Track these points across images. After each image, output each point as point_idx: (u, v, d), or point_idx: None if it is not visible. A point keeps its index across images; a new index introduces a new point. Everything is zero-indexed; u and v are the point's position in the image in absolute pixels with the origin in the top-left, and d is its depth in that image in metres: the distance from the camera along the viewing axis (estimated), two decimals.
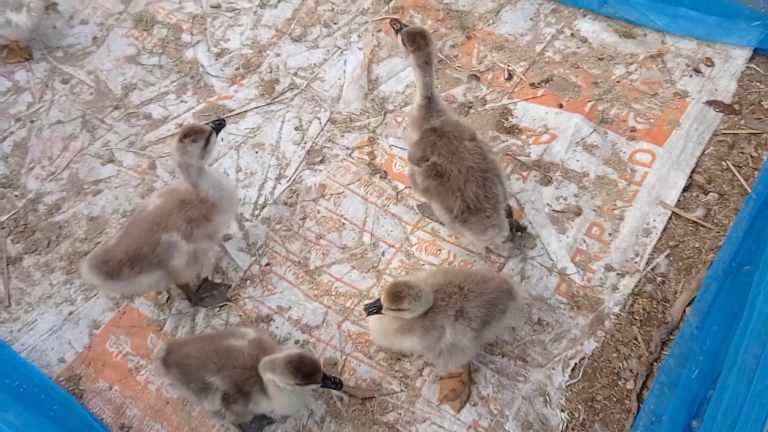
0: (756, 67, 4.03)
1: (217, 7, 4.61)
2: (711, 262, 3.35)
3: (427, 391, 3.13)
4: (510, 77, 4.11)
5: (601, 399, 3.08)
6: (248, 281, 3.49)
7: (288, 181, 3.82)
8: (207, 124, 2.97)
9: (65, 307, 3.48)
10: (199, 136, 2.88)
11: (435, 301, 2.71)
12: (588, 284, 3.36)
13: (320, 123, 4.01)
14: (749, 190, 3.55)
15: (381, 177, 3.79)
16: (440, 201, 3.19)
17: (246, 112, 4.11)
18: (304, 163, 3.87)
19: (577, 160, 3.74)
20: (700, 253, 3.43)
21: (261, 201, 3.76)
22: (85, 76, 4.32)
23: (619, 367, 3.15)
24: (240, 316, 3.38)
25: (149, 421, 3.13)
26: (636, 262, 3.40)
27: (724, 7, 4.13)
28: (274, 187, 3.80)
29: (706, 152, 3.74)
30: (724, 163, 3.69)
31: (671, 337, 3.20)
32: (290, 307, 3.40)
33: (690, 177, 3.64)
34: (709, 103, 3.89)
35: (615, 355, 3.18)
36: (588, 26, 4.28)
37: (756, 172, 3.62)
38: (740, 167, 3.67)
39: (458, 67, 4.19)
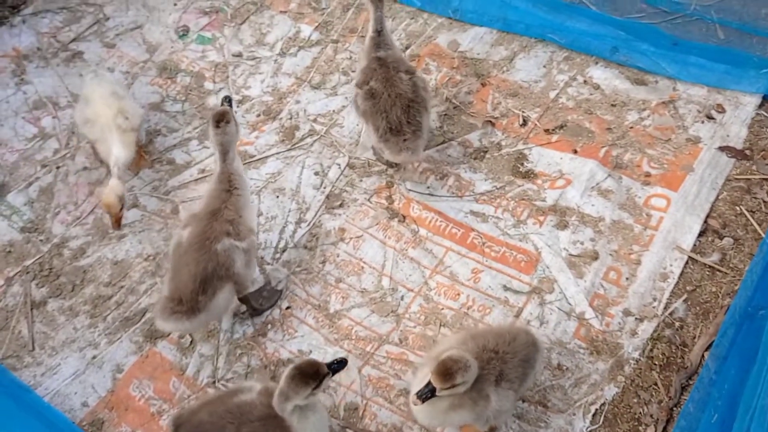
0: (765, 114, 4.11)
1: (239, 55, 4.75)
2: (728, 306, 3.37)
3: None
4: (524, 123, 4.20)
5: None
6: (269, 325, 3.53)
7: (308, 225, 3.89)
8: (222, 105, 3.46)
9: (89, 351, 3.53)
10: (228, 116, 3.28)
11: None
12: (607, 329, 3.39)
13: (339, 168, 4.10)
14: (763, 235, 3.59)
15: (399, 221, 3.86)
16: (372, 122, 3.73)
17: (267, 157, 4.20)
18: (324, 207, 3.95)
19: (593, 205, 3.80)
20: (717, 297, 3.47)
21: (281, 245, 3.82)
22: None
23: (640, 413, 3.16)
24: (261, 359, 3.42)
25: None
26: (654, 307, 3.43)
27: (733, 55, 4.23)
28: (295, 231, 3.87)
29: (720, 197, 3.79)
30: (737, 208, 3.75)
31: (690, 382, 3.21)
32: (311, 351, 3.43)
33: (705, 222, 3.69)
34: (722, 148, 3.96)
35: (635, 400, 3.19)
36: (600, 73, 4.38)
37: None
38: (753, 212, 3.72)
39: (473, 113, 4.29)
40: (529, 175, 3.97)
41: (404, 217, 3.88)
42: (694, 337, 3.34)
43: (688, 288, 3.50)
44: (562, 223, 3.75)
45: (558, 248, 3.66)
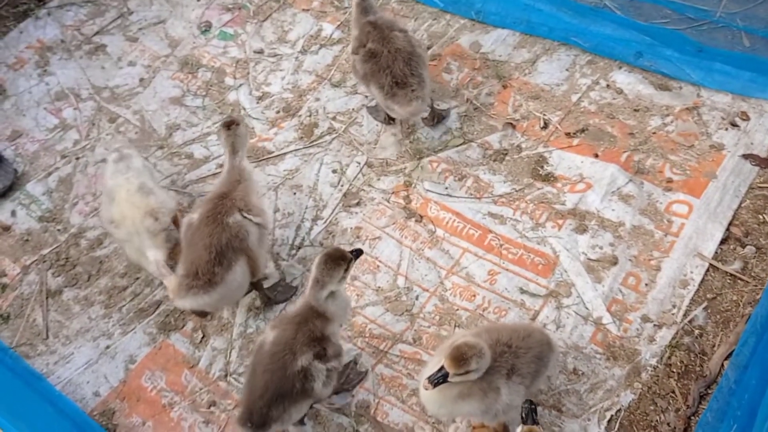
0: None
1: (260, 52, 4.75)
2: (749, 315, 3.31)
3: None
4: (545, 126, 4.16)
5: None
6: None
7: (324, 222, 3.87)
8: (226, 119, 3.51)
9: (102, 341, 3.54)
10: (239, 120, 3.43)
11: None
12: (624, 335, 3.34)
13: (358, 165, 4.08)
14: None
15: (416, 221, 3.83)
16: (375, 82, 3.77)
17: (285, 154, 4.20)
18: (341, 205, 3.93)
19: (613, 210, 3.75)
20: (737, 306, 3.40)
21: (297, 242, 3.81)
22: (131, 116, 4.46)
23: (656, 421, 3.10)
24: None
25: None
26: (673, 314, 3.38)
27: (758, 63, 4.17)
28: (311, 228, 3.86)
29: (742, 205, 3.73)
30: (761, 217, 3.68)
31: (709, 391, 3.16)
32: None
33: (727, 229, 3.63)
34: (745, 156, 3.90)
35: (652, 408, 3.13)
36: (623, 78, 4.33)
37: None
38: None
39: (494, 114, 4.26)
40: (548, 178, 3.93)
41: (421, 217, 3.85)
42: (714, 346, 3.28)
43: (708, 296, 3.44)
44: (582, 227, 3.70)
45: (576, 252, 3.62)
